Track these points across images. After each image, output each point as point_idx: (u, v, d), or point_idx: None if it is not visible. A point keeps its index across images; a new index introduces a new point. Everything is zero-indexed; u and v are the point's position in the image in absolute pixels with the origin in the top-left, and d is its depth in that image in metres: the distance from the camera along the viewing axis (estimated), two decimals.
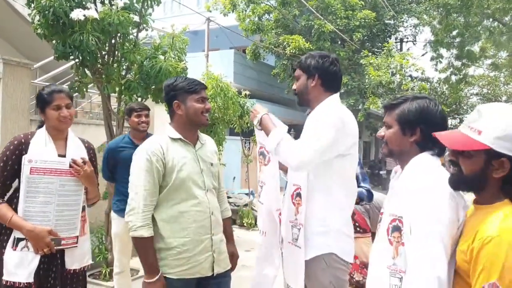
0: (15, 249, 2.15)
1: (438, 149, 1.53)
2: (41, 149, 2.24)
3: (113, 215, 3.64)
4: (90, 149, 2.49)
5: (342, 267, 2.00)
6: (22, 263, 2.14)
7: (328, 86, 2.11)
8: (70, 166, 2.26)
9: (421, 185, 1.41)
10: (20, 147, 2.22)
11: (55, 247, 2.18)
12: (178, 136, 2.12)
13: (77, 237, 2.29)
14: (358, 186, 2.77)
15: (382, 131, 1.64)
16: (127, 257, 3.73)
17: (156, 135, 2.50)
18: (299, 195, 2.04)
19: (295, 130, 16.46)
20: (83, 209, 2.36)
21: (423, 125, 1.53)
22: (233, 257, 2.33)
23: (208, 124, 2.22)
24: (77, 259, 2.31)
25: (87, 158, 2.39)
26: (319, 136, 1.91)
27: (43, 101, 2.30)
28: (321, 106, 2.07)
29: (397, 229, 1.45)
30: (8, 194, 2.26)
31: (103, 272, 4.38)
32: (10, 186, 2.24)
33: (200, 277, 2.10)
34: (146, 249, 2.00)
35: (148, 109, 3.52)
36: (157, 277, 1.99)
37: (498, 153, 1.23)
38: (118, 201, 3.49)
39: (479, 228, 1.22)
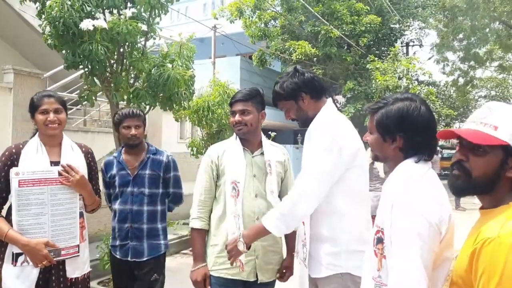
0: (15, 265, 2.10)
1: (425, 154, 1.42)
2: (32, 158, 2.19)
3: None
4: (87, 153, 2.42)
5: (355, 279, 1.91)
6: (21, 277, 2.10)
7: (317, 95, 2.07)
8: (60, 174, 2.19)
9: (401, 197, 1.33)
10: (12, 158, 2.18)
11: (55, 258, 2.13)
12: (238, 143, 2.32)
13: (77, 245, 2.23)
14: None
15: (366, 136, 1.56)
16: None
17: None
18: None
19: (302, 135, 16.40)
20: (81, 215, 2.29)
21: (403, 132, 1.41)
22: (287, 271, 2.34)
23: (242, 135, 2.31)
24: (78, 266, 2.26)
25: (83, 163, 2.33)
26: (309, 179, 1.87)
27: (32, 106, 2.25)
28: (315, 121, 2.02)
29: (380, 241, 1.38)
30: (6, 207, 2.21)
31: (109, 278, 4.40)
32: (6, 199, 2.19)
33: (243, 280, 2.21)
34: (194, 239, 2.29)
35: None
36: (198, 266, 2.23)
37: None
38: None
39: (480, 230, 1.14)
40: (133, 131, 2.71)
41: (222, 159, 2.30)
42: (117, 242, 2.74)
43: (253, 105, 2.28)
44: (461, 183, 1.23)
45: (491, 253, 1.06)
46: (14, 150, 2.20)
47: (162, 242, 2.79)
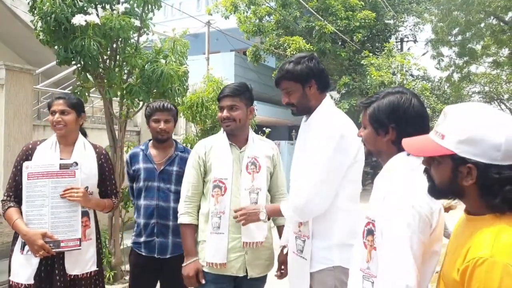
0: (22, 253, 2.24)
1: None
2: (44, 154, 2.32)
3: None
4: (101, 154, 2.50)
5: (346, 272, 1.93)
6: (24, 265, 2.23)
7: (323, 87, 2.04)
8: (61, 168, 2.28)
9: (392, 189, 1.35)
10: (27, 153, 2.35)
11: (54, 250, 2.21)
12: (225, 138, 2.31)
13: (79, 239, 2.28)
14: None
15: (361, 131, 1.58)
16: None
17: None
18: None
19: (296, 131, 16.48)
20: (85, 214, 2.34)
21: (395, 124, 1.44)
22: (285, 266, 2.29)
23: (230, 131, 2.30)
24: (79, 265, 2.30)
25: (94, 164, 2.42)
26: (322, 176, 1.87)
27: (48, 107, 2.44)
28: (317, 114, 2.01)
29: (371, 232, 1.40)
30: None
31: (107, 275, 4.40)
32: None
33: (233, 275, 2.21)
34: (184, 234, 2.28)
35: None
36: (190, 261, 2.22)
37: (463, 158, 1.09)
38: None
39: (471, 245, 1.10)
40: (162, 125, 2.66)
41: (209, 155, 2.30)
42: (142, 239, 2.67)
43: (241, 100, 2.27)
44: (430, 190, 1.23)
45: (485, 274, 1.03)
46: (30, 146, 2.39)
47: None
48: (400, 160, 1.43)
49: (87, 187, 2.34)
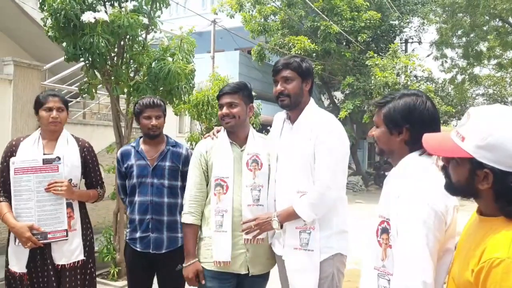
0: (15, 244, 2.36)
1: None
2: (27, 150, 2.40)
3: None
4: (84, 147, 2.56)
5: (343, 260, 2.13)
6: (17, 255, 2.36)
7: (312, 90, 2.24)
8: (44, 163, 2.36)
9: (407, 188, 1.37)
10: (11, 149, 2.43)
11: (42, 241, 2.32)
12: (225, 137, 2.34)
13: (65, 230, 2.39)
14: None
15: (372, 130, 1.61)
16: None
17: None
18: None
19: None
20: (68, 205, 2.42)
21: (409, 125, 1.47)
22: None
23: (230, 128, 2.33)
24: (65, 255, 2.41)
25: (77, 157, 2.48)
26: (335, 169, 2.06)
27: (37, 103, 2.46)
28: (309, 114, 2.16)
29: (385, 231, 1.41)
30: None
31: (112, 272, 4.43)
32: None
33: (235, 272, 2.22)
34: (185, 234, 2.29)
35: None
36: (189, 262, 2.23)
37: (481, 163, 1.10)
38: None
39: (486, 246, 1.10)
40: (153, 122, 2.64)
41: (210, 154, 2.31)
42: (137, 235, 2.67)
43: (240, 97, 2.30)
44: (447, 187, 1.25)
45: (501, 275, 1.03)
46: (14, 142, 2.46)
47: (180, 235, 2.70)
48: (412, 160, 1.46)
49: (70, 180, 2.43)
